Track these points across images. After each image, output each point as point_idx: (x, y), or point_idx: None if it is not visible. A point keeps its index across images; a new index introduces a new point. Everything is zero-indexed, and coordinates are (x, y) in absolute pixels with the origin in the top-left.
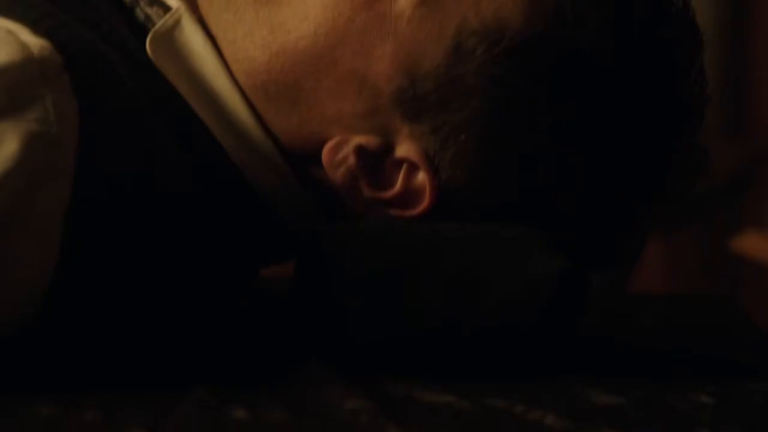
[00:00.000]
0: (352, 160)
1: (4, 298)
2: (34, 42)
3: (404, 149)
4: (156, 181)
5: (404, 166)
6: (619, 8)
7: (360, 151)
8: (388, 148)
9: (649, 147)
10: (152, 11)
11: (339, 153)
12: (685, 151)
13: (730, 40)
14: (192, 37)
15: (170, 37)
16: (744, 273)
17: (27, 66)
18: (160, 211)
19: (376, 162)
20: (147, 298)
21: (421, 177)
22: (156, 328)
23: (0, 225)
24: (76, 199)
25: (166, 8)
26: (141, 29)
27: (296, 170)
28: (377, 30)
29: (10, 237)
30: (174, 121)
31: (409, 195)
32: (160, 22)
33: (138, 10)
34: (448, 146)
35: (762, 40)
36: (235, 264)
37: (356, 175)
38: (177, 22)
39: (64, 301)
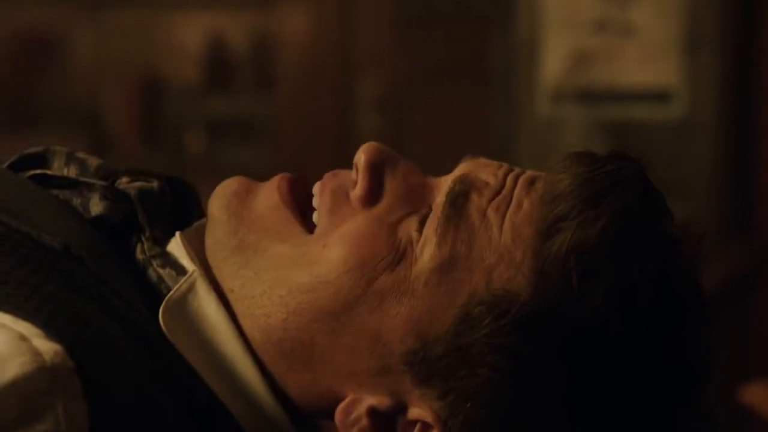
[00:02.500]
0: (365, 421)
1: None
2: (46, 348)
3: (417, 411)
4: None
5: (417, 426)
6: (625, 279)
7: (372, 412)
8: (401, 409)
9: (656, 414)
10: (165, 272)
11: (352, 414)
12: (693, 414)
13: (736, 141)
14: (205, 301)
15: (183, 303)
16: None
17: (39, 376)
18: None
19: (388, 422)
20: None
21: None
22: None
23: None
24: None
25: (179, 269)
26: (153, 289)
27: (305, 429)
28: (396, 291)
29: None
30: (184, 392)
31: None
32: (174, 289)
33: (151, 271)
34: (457, 412)
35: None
36: None
37: None
38: (191, 287)
39: None
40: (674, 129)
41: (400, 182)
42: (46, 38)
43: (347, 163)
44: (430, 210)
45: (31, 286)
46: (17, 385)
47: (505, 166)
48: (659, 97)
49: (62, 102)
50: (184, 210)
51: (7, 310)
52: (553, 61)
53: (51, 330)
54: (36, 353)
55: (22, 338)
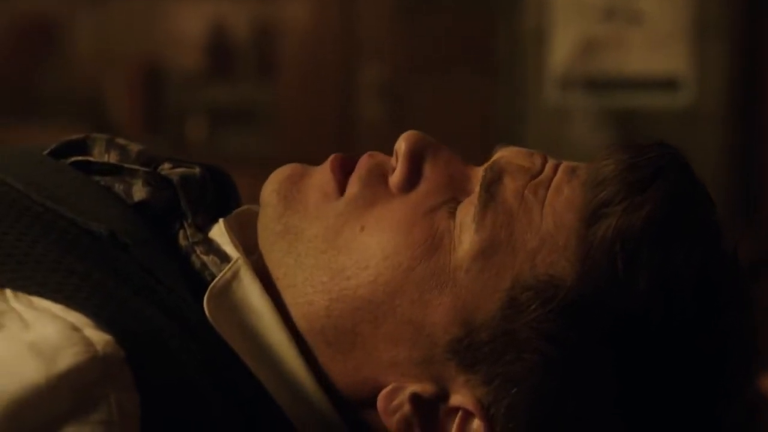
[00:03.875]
0: (407, 407)
1: None
2: (97, 338)
3: (459, 398)
4: None
5: (459, 414)
6: (669, 266)
7: (415, 399)
8: (443, 396)
9: (698, 403)
10: (208, 259)
11: (394, 400)
12: (733, 403)
13: (743, 129)
14: (249, 289)
15: (228, 291)
16: None
17: (92, 367)
18: None
19: (430, 409)
20: None
21: (476, 425)
22: None
23: None
24: None
25: (222, 256)
26: (196, 276)
27: (349, 417)
28: (436, 280)
29: None
30: (229, 382)
31: None
32: (219, 276)
33: (194, 257)
34: (501, 398)
35: None
36: None
37: (411, 423)
38: (235, 275)
39: None
40: (682, 117)
41: (441, 170)
42: (47, 26)
43: (349, 150)
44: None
45: (80, 275)
46: (70, 375)
47: (540, 153)
48: (667, 85)
49: (64, 90)
50: (223, 198)
51: (57, 300)
52: (561, 49)
53: (101, 320)
54: (88, 343)
55: (74, 328)
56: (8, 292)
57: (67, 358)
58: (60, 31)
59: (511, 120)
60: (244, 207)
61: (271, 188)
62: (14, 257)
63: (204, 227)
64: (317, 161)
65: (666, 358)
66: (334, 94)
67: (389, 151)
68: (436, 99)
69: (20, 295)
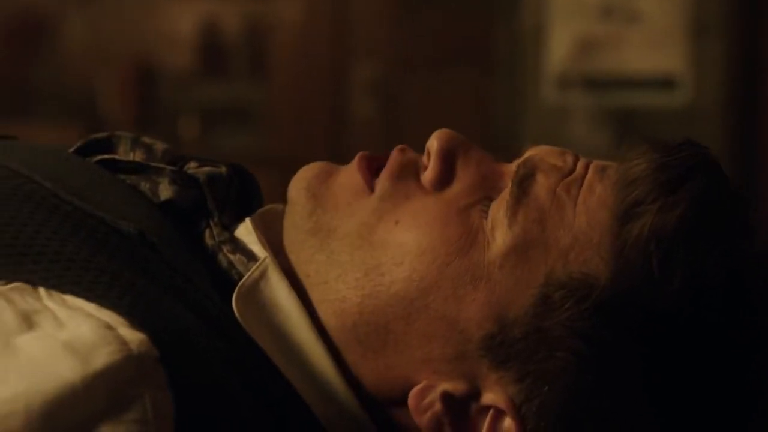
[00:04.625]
0: (438, 406)
1: None
2: (132, 337)
3: (491, 396)
4: None
5: (490, 412)
6: (703, 266)
7: (446, 397)
8: (475, 394)
9: (730, 401)
10: (235, 258)
11: (425, 398)
12: (764, 400)
13: (741, 128)
14: (277, 288)
15: (256, 290)
16: None
17: (127, 366)
18: None
19: (462, 408)
20: None
21: (508, 423)
22: None
23: None
24: None
25: (249, 255)
26: (223, 275)
27: (378, 416)
28: (471, 276)
29: None
30: (258, 381)
31: None
32: (246, 275)
33: (221, 256)
34: (533, 396)
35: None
36: None
37: (442, 422)
38: (263, 274)
39: None
40: (680, 116)
41: (473, 169)
42: (39, 24)
43: (342, 149)
44: None
45: (111, 274)
46: (105, 374)
47: (571, 152)
48: (665, 84)
49: (56, 88)
50: (245, 197)
51: (89, 298)
52: (559, 48)
53: (134, 319)
54: (123, 342)
55: (108, 327)
56: (41, 290)
57: (102, 357)
58: (52, 29)
59: (509, 119)
60: (268, 206)
61: (299, 186)
62: (46, 256)
63: (230, 226)
64: (310, 160)
65: (698, 356)
66: (327, 93)
67: (384, 150)
68: (432, 98)
69: (54, 293)
